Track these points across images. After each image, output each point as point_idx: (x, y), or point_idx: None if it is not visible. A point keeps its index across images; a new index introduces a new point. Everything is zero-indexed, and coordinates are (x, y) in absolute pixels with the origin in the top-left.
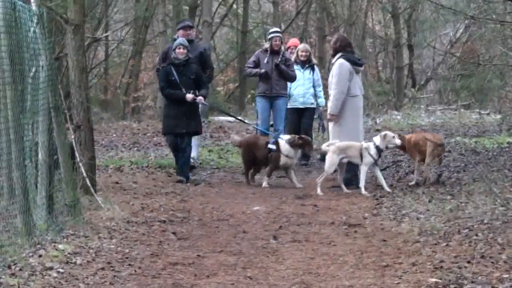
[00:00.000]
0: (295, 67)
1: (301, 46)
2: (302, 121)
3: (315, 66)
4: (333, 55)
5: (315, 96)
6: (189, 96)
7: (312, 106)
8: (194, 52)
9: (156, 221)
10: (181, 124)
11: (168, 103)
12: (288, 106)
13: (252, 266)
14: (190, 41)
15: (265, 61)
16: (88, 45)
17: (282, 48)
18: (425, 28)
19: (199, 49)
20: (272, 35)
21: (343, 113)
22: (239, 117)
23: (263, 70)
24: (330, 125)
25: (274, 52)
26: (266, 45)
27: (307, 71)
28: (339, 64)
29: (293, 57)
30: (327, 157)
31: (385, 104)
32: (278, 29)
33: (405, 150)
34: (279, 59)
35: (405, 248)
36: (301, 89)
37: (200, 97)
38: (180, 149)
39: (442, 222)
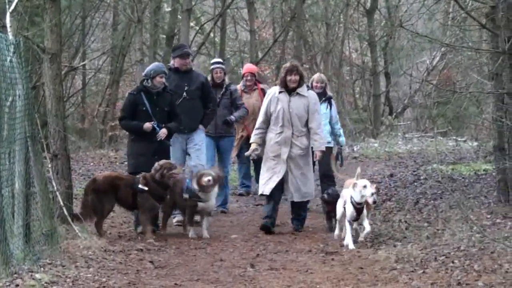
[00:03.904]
0: None
1: (316, 76)
2: (319, 163)
3: (332, 100)
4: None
5: (333, 134)
6: (147, 125)
7: (329, 145)
8: (194, 83)
9: (133, 249)
10: (153, 164)
11: (133, 138)
12: None
13: None
14: (189, 71)
15: None
16: (65, 74)
17: (226, 80)
18: (402, 56)
19: (200, 79)
20: (212, 66)
21: None
22: None
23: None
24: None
25: (216, 85)
26: (208, 77)
27: (323, 106)
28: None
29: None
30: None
31: (362, 131)
32: (219, 60)
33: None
34: (222, 93)
35: (382, 275)
36: None
37: (163, 130)
38: None
39: (418, 249)
